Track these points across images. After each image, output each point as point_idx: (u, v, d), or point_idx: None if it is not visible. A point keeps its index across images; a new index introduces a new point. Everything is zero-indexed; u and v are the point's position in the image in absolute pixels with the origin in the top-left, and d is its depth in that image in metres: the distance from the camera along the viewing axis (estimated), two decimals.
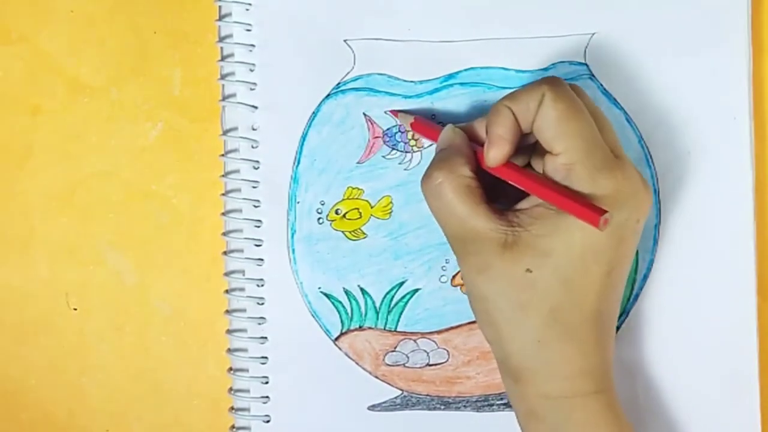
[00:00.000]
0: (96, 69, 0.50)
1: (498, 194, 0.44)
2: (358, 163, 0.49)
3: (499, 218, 0.42)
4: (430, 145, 0.48)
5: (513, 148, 0.42)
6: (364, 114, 0.49)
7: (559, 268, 0.41)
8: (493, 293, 0.42)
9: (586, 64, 0.48)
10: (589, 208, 0.40)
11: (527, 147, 0.44)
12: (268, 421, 0.49)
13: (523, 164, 0.44)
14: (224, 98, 0.49)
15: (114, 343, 0.51)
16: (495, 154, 0.42)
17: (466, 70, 0.48)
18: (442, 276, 0.49)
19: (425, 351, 0.49)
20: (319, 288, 0.49)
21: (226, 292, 0.49)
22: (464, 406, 0.49)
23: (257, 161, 0.49)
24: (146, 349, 0.51)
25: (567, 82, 0.43)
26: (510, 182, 0.43)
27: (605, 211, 0.39)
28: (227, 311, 0.50)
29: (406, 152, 0.48)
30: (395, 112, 0.48)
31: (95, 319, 0.51)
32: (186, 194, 0.50)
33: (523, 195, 0.43)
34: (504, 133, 0.42)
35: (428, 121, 0.47)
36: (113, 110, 0.50)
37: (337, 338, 0.49)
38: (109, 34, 0.50)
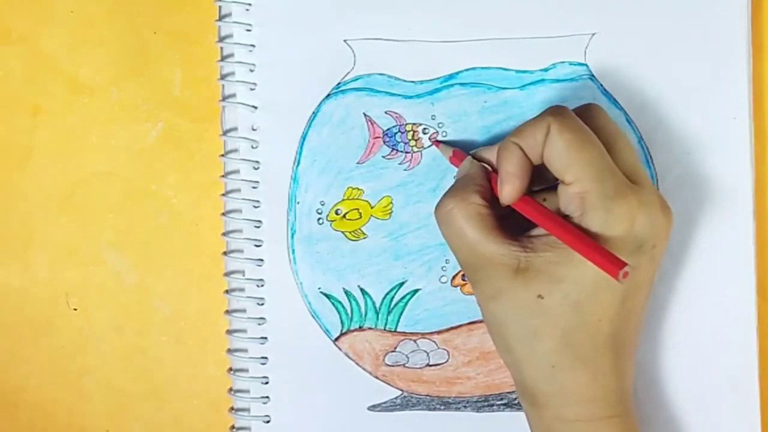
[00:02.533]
0: (96, 69, 0.50)
1: (515, 220, 0.43)
2: (358, 163, 0.49)
3: (512, 243, 0.42)
4: (430, 145, 0.48)
5: (525, 183, 0.42)
6: (364, 114, 0.49)
7: (571, 294, 0.41)
8: (506, 319, 0.42)
9: (586, 65, 0.48)
10: (607, 259, 0.39)
11: (546, 176, 0.44)
12: (268, 422, 0.49)
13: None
14: (224, 98, 0.49)
15: (114, 343, 0.51)
16: (508, 191, 0.42)
17: (466, 70, 0.48)
18: (442, 276, 0.49)
19: (425, 351, 0.49)
20: (319, 288, 0.49)
21: (226, 292, 0.49)
22: (464, 406, 0.49)
23: (257, 161, 0.49)
24: (146, 349, 0.51)
25: (591, 104, 0.43)
26: (529, 218, 0.42)
27: (624, 264, 0.39)
28: (227, 311, 0.50)
29: (406, 152, 0.48)
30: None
31: (95, 319, 0.51)
32: (186, 194, 0.50)
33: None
34: (514, 170, 0.42)
35: (463, 153, 0.47)
36: (113, 110, 0.50)
37: (337, 338, 0.49)
38: (109, 34, 0.50)
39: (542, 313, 0.41)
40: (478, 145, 0.48)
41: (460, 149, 0.47)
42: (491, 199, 0.43)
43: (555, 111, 0.42)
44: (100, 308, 0.51)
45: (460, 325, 0.49)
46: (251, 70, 0.49)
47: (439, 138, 0.48)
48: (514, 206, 0.43)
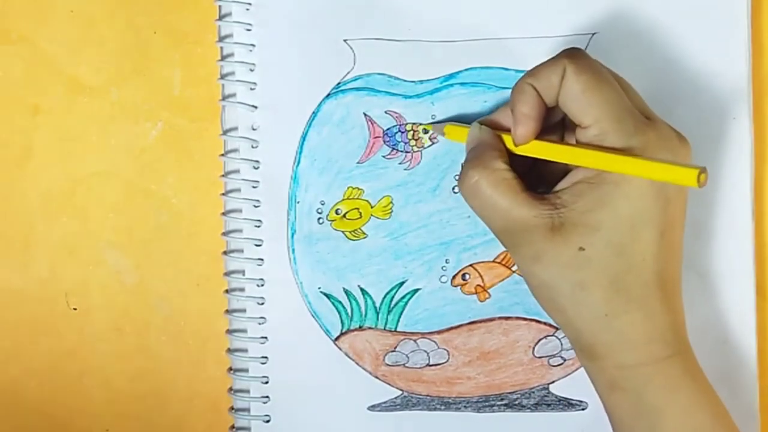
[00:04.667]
0: (96, 69, 0.50)
1: (535, 184, 0.43)
2: (358, 163, 0.49)
3: (542, 203, 0.42)
4: (431, 144, 0.48)
5: (539, 125, 0.42)
6: (365, 114, 0.49)
7: (611, 240, 0.41)
8: (552, 279, 0.42)
9: None
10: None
11: (556, 124, 0.44)
12: (268, 421, 0.49)
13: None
14: (224, 98, 0.49)
15: (114, 343, 0.51)
16: (522, 133, 0.42)
17: (466, 70, 0.48)
18: (442, 276, 0.49)
19: (425, 351, 0.49)
20: (319, 288, 0.49)
21: (226, 292, 0.50)
22: (464, 406, 0.49)
23: (257, 161, 0.49)
24: (146, 349, 0.51)
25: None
26: (569, 163, 0.42)
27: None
28: (227, 311, 0.50)
29: (407, 152, 0.48)
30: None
31: (95, 319, 0.51)
32: (186, 194, 0.50)
33: (559, 178, 0.43)
34: (528, 111, 0.42)
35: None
36: (113, 110, 0.50)
37: (337, 338, 0.49)
38: (109, 34, 0.50)
39: (586, 264, 0.41)
40: None
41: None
42: (511, 162, 0.43)
43: (570, 53, 0.42)
44: (100, 308, 0.51)
45: (461, 325, 0.49)
46: (251, 70, 0.49)
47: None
48: (554, 159, 0.42)
